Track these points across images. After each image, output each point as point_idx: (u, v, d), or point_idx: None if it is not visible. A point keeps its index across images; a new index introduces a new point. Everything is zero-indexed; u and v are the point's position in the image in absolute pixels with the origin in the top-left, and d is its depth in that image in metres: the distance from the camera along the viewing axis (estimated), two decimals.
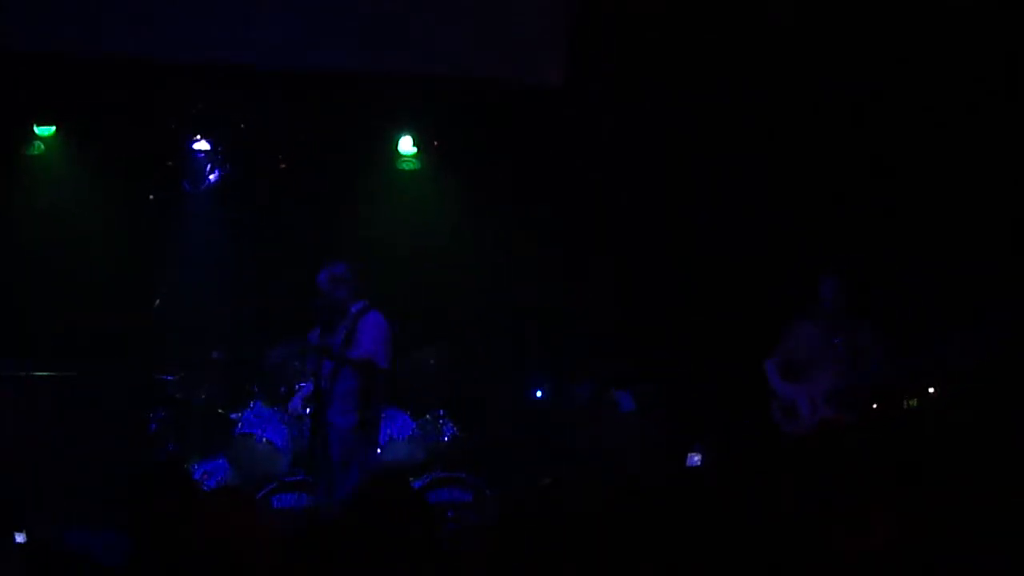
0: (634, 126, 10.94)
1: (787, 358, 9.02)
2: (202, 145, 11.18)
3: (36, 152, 10.81)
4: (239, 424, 9.67)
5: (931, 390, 9.94)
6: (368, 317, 8.57)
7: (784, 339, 9.06)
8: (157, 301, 9.70)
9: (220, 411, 9.89)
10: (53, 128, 10.79)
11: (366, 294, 8.75)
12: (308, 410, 8.84)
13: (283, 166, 11.33)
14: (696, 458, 9.69)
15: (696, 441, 9.72)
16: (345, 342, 8.50)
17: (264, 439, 9.54)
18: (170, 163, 11.21)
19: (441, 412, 10.20)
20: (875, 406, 9.76)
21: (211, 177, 11.24)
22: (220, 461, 9.59)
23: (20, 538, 4.84)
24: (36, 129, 10.74)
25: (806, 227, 10.52)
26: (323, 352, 8.44)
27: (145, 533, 4.42)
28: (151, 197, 11.04)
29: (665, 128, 10.87)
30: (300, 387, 9.51)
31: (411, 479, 9.52)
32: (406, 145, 11.56)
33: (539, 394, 11.15)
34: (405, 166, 11.65)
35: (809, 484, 4.18)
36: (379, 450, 9.77)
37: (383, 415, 9.96)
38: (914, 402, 9.91)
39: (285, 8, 10.29)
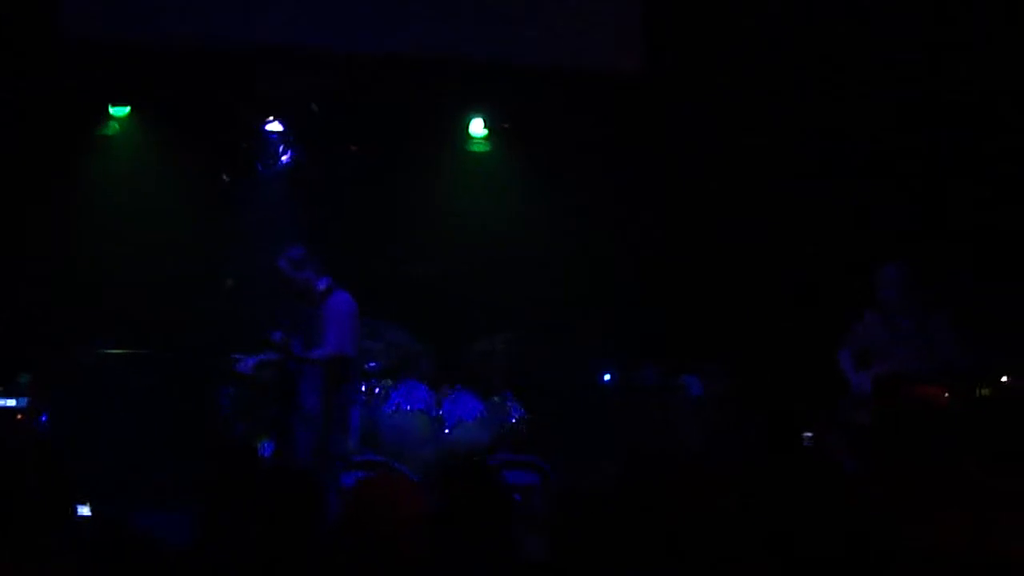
0: (707, 112, 10.87)
1: (859, 348, 8.93)
2: (275, 127, 11.28)
3: (111, 132, 10.94)
4: None
5: (1004, 378, 9.83)
6: (332, 301, 8.34)
7: (854, 329, 8.97)
8: (229, 281, 9.76)
9: None
10: (128, 108, 10.92)
11: (326, 272, 8.52)
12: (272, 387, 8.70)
13: (354, 148, 11.39)
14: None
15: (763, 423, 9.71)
16: (313, 328, 8.31)
17: None
18: (244, 144, 11.30)
19: (509, 394, 10.22)
20: (947, 394, 9.68)
21: (284, 158, 11.33)
22: None
23: (84, 511, 4.88)
24: (111, 109, 10.87)
25: (881, 211, 10.43)
26: (289, 356, 8.23)
27: (212, 513, 4.46)
28: (224, 178, 11.14)
29: (739, 114, 10.79)
30: (368, 366, 9.62)
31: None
32: (477, 127, 11.59)
33: (607, 377, 11.13)
34: (475, 148, 11.67)
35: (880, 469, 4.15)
36: (447, 430, 9.84)
37: (452, 396, 10.04)
38: (987, 391, 9.81)
39: None
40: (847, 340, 8.96)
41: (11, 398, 8.88)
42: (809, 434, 9.40)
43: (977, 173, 10.01)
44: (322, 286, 8.38)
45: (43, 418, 8.87)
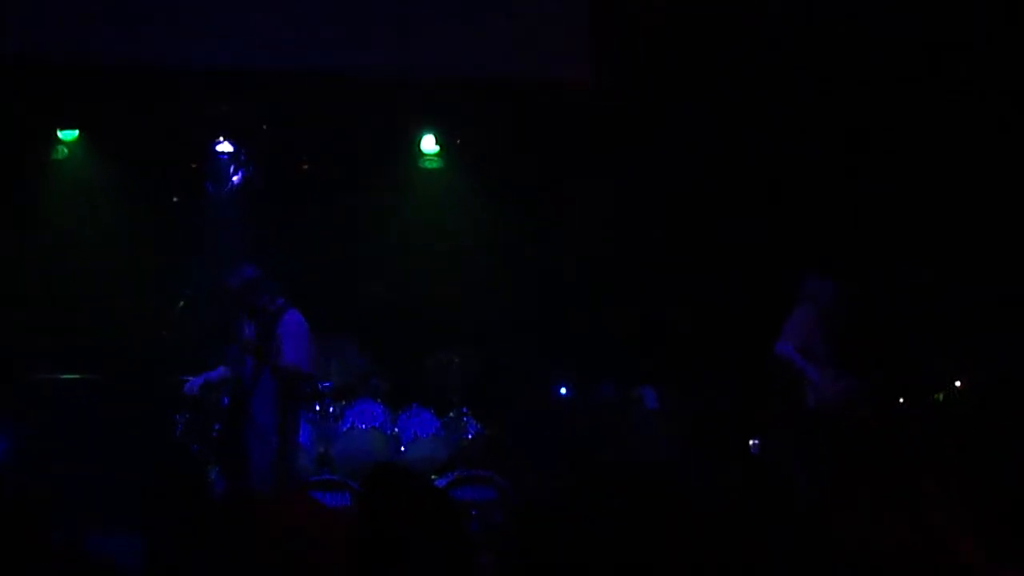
0: (658, 124, 10.92)
1: (800, 342, 8.89)
2: (225, 147, 11.24)
3: (60, 156, 10.89)
4: None
5: (957, 383, 9.96)
6: (287, 318, 8.21)
7: (799, 322, 8.91)
8: (181, 303, 9.72)
9: None
10: (76, 132, 10.87)
11: (280, 292, 8.38)
12: (225, 400, 8.57)
13: (305, 167, 11.38)
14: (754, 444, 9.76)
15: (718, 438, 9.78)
16: (263, 340, 8.13)
17: None
18: (193, 165, 11.27)
19: (465, 410, 10.22)
20: (901, 400, 9.79)
21: (234, 179, 11.30)
22: None
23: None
24: (59, 133, 10.82)
25: (835, 225, 10.54)
26: (256, 354, 8.08)
27: (161, 537, 4.45)
28: (175, 199, 11.11)
29: (690, 126, 10.84)
30: (322, 386, 9.62)
31: (434, 477, 9.56)
32: (428, 144, 11.59)
33: (563, 391, 11.15)
34: (428, 165, 11.67)
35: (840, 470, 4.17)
36: (402, 448, 9.84)
37: (407, 413, 10.04)
38: (940, 396, 9.93)
39: (307, 11, 10.33)
40: (790, 333, 8.89)
41: None
42: (756, 441, 9.44)
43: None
44: (274, 306, 8.26)
45: None
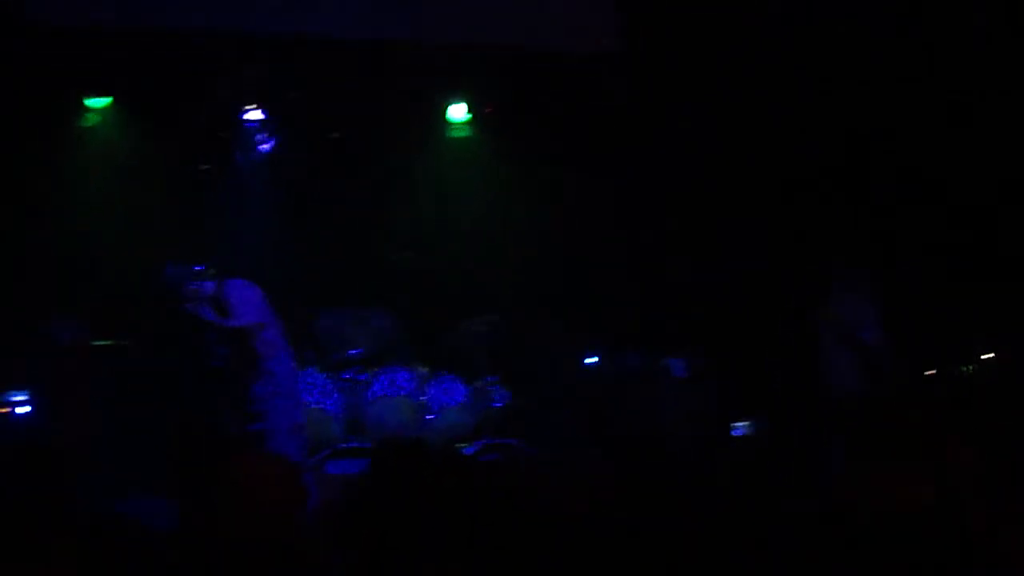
0: (686, 93, 10.89)
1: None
2: (255, 115, 11.22)
3: (89, 124, 10.89)
4: None
5: (984, 356, 9.98)
6: (227, 285, 8.34)
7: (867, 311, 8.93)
8: (212, 271, 9.73)
9: None
10: (106, 100, 10.86)
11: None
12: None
13: (335, 135, 11.37)
14: (742, 427, 9.75)
15: (745, 408, 9.77)
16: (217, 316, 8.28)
17: (318, 406, 9.61)
18: (223, 134, 11.26)
19: (493, 378, 10.24)
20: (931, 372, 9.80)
21: (263, 147, 11.28)
22: None
23: None
24: (88, 102, 10.80)
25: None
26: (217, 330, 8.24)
27: (191, 499, 4.47)
28: (204, 168, 11.11)
29: (718, 95, 10.81)
30: (351, 353, 9.64)
31: (461, 445, 9.58)
32: (457, 112, 11.57)
33: (591, 361, 11.14)
34: (456, 133, 11.65)
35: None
36: (431, 416, 9.87)
37: (436, 381, 10.05)
38: (969, 368, 9.94)
39: None
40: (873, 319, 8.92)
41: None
42: (745, 423, 9.45)
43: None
44: (204, 287, 8.37)
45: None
